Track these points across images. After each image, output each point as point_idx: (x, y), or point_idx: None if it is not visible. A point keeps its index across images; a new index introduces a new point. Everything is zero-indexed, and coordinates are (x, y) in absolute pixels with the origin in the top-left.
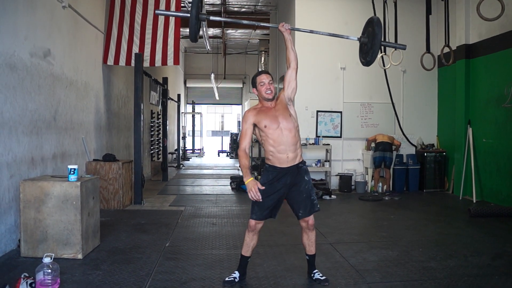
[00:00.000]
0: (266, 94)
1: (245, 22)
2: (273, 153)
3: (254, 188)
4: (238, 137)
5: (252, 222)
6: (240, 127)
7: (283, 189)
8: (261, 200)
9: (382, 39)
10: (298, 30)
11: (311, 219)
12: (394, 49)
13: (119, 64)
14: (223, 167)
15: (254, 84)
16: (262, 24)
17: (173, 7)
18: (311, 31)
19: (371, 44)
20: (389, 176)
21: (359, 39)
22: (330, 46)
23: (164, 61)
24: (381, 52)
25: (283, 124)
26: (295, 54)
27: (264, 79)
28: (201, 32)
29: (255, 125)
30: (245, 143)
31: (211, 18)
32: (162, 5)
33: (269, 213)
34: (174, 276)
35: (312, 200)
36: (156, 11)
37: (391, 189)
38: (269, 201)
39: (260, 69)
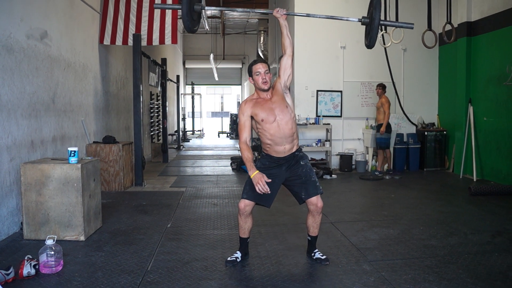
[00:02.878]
0: (262, 84)
1: (239, 10)
2: (270, 146)
3: (261, 181)
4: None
5: (242, 204)
6: (238, 119)
7: (279, 176)
8: (269, 193)
9: (384, 19)
10: (294, 14)
11: (319, 201)
12: (395, 28)
13: (115, 43)
14: (223, 148)
15: (250, 73)
16: (256, 10)
17: None
18: (308, 15)
19: (370, 26)
20: (382, 157)
21: (360, 20)
22: (329, 25)
23: (162, 40)
24: (382, 30)
25: (280, 117)
26: (290, 40)
27: (259, 68)
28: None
29: (252, 117)
30: (245, 135)
31: (206, 8)
32: None
33: (260, 197)
34: (176, 256)
35: (314, 182)
36: (154, 5)
37: (383, 170)
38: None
39: (259, 49)
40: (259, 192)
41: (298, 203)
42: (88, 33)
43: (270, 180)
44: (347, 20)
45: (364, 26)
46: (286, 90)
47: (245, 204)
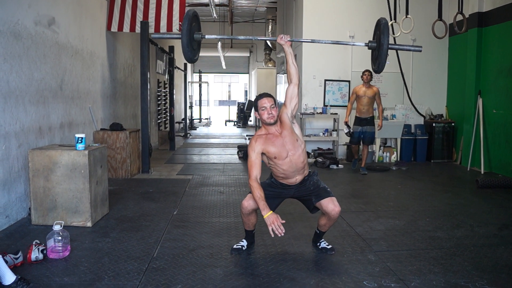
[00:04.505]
0: (268, 119)
1: (241, 37)
2: (282, 178)
3: (276, 222)
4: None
5: (245, 203)
6: (248, 155)
7: (286, 193)
8: (283, 234)
9: (393, 42)
10: (298, 40)
11: (337, 206)
12: (405, 17)
13: (123, 30)
14: (230, 136)
15: (255, 108)
16: (259, 38)
17: None
18: (313, 41)
19: (378, 52)
20: (366, 153)
21: (367, 45)
22: (338, 14)
23: (170, 27)
24: (391, 20)
25: (292, 152)
26: (296, 68)
27: (265, 103)
28: (204, 0)
29: (263, 153)
30: (255, 173)
31: (207, 36)
32: None
33: (266, 200)
34: (182, 243)
35: (324, 187)
36: (151, 35)
37: (363, 165)
38: (269, 194)
39: (267, 40)
40: (272, 234)
41: (310, 212)
42: (95, 20)
43: (284, 221)
44: (353, 45)
45: (372, 20)
46: (293, 119)
47: (248, 204)
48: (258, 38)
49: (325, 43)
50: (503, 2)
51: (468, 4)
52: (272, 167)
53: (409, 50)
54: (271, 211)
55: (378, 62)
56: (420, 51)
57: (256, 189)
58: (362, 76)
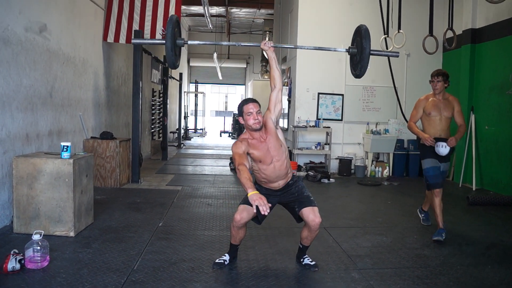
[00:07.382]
0: (254, 125)
1: (224, 43)
2: (265, 182)
3: (262, 199)
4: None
5: (238, 216)
6: (232, 154)
7: (273, 196)
8: (267, 213)
9: (372, 48)
10: (282, 47)
11: (317, 217)
12: (397, 31)
13: (119, 41)
14: (224, 147)
15: (240, 113)
16: (243, 44)
17: None
18: (296, 47)
19: (359, 57)
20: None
21: (347, 51)
22: (333, 28)
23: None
24: (384, 34)
25: (276, 158)
26: (280, 73)
27: (251, 108)
28: (202, 11)
29: (248, 153)
30: (243, 160)
31: (189, 42)
32: None
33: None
34: (164, 256)
35: (307, 196)
36: (132, 41)
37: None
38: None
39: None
40: (254, 209)
41: (296, 222)
42: (89, 28)
43: (270, 205)
44: (335, 50)
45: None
46: (277, 126)
47: (241, 217)
48: (242, 44)
49: (307, 49)
50: (496, 19)
51: (462, 21)
52: (255, 170)
53: (387, 55)
54: (257, 191)
55: (360, 66)
56: (397, 56)
57: (244, 171)
58: (431, 82)
